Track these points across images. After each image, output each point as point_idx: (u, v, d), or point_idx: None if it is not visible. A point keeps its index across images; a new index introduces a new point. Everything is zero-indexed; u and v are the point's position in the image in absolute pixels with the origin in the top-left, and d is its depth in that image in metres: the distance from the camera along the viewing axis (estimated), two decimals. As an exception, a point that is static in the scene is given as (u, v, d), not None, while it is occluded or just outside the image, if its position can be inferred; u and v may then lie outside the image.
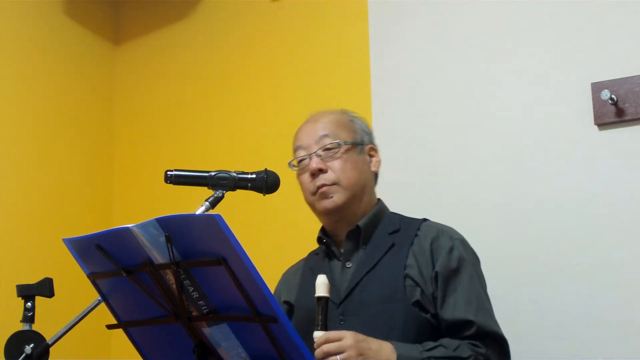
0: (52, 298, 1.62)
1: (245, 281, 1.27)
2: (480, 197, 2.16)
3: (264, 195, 1.72)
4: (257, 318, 1.29)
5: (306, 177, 1.80)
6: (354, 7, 2.50)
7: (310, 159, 1.79)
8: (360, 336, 1.49)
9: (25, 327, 1.58)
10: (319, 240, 1.86)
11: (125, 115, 3.03)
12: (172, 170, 1.66)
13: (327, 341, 1.45)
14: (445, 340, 1.60)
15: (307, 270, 1.86)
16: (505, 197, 2.12)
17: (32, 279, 1.62)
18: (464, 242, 1.75)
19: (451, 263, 1.69)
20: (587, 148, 2.02)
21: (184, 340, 1.39)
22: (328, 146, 1.79)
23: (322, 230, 1.87)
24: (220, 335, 1.37)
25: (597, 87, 1.99)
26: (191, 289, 1.34)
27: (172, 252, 1.30)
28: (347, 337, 1.46)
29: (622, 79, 1.97)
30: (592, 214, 1.99)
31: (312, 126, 1.84)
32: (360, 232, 1.77)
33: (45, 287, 1.61)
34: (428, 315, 1.64)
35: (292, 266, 1.97)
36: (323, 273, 1.76)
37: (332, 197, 1.76)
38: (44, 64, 2.80)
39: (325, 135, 1.80)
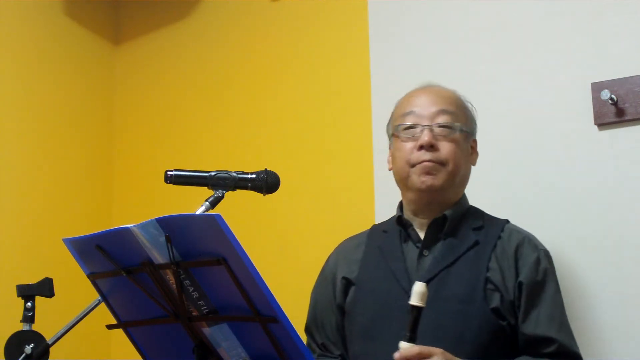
0: (52, 298, 1.62)
1: (245, 281, 1.27)
2: (480, 197, 2.15)
3: (264, 195, 1.71)
4: (257, 318, 1.29)
5: (409, 145, 1.71)
6: (354, 7, 2.50)
7: (423, 131, 1.70)
8: (449, 355, 1.44)
9: (25, 327, 1.58)
10: (399, 219, 1.76)
11: (125, 115, 3.03)
12: (172, 170, 1.66)
13: (418, 356, 1.39)
14: (524, 358, 1.57)
15: (372, 248, 1.78)
16: (504, 197, 2.12)
17: (32, 279, 1.62)
18: (548, 254, 1.71)
19: (537, 275, 1.64)
20: (587, 148, 2.02)
21: (184, 340, 1.39)
22: (446, 124, 1.71)
23: (400, 207, 1.79)
24: (220, 335, 1.37)
25: (597, 87, 1.99)
26: (191, 289, 1.34)
27: (172, 252, 1.30)
28: (438, 356, 1.42)
29: (622, 79, 1.97)
30: (592, 214, 1.99)
31: (432, 96, 1.75)
32: (447, 222, 1.71)
33: (45, 287, 1.61)
34: (505, 323, 1.60)
35: (351, 239, 1.88)
36: (395, 256, 1.70)
37: (434, 175, 1.69)
38: (44, 64, 2.80)
39: (445, 112, 1.72)
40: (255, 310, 1.29)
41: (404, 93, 2.36)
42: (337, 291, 1.79)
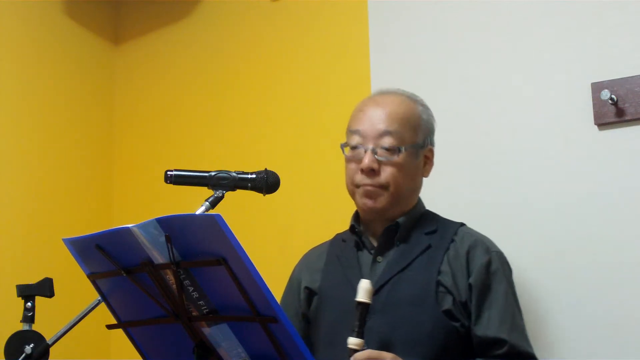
0: (52, 298, 1.62)
1: (245, 281, 1.27)
2: (480, 196, 2.16)
3: (264, 195, 1.72)
4: (257, 318, 1.29)
5: (354, 166, 1.72)
6: (354, 7, 2.50)
7: (366, 153, 1.70)
8: None
9: (25, 327, 1.58)
10: (352, 228, 1.79)
11: (125, 115, 3.03)
12: (172, 170, 1.67)
13: (368, 359, 1.43)
14: None
15: (332, 257, 1.81)
16: (504, 197, 2.12)
17: (32, 279, 1.62)
18: (500, 256, 1.72)
19: (487, 277, 1.65)
20: (587, 148, 2.02)
21: (184, 340, 1.39)
22: (390, 147, 1.70)
23: (355, 217, 1.80)
24: (220, 335, 1.37)
25: (597, 87, 1.99)
26: (191, 288, 1.34)
27: (172, 252, 1.30)
28: None
29: (622, 79, 1.97)
30: (592, 214, 1.99)
31: (377, 114, 1.73)
32: (399, 229, 1.72)
33: (45, 287, 1.61)
34: (457, 324, 1.61)
35: (314, 249, 1.92)
36: (350, 264, 1.74)
37: (375, 199, 1.70)
38: (44, 64, 2.80)
39: (388, 133, 1.70)
40: (255, 310, 1.29)
41: (404, 93, 2.37)
42: (302, 300, 1.83)
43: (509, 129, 2.15)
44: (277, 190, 1.73)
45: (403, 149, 1.70)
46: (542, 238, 2.05)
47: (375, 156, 1.69)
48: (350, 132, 1.77)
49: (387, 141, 1.70)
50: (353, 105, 2.46)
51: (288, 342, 1.30)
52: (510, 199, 2.11)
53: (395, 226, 1.73)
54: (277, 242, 2.52)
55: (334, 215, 2.41)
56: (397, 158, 1.70)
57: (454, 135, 2.23)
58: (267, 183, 1.69)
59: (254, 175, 1.69)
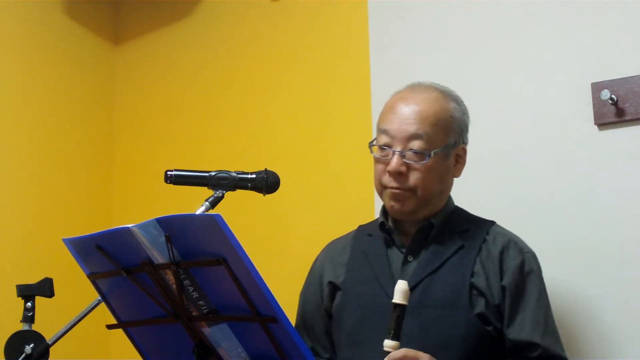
0: (52, 298, 1.62)
1: (245, 281, 1.27)
2: (480, 196, 2.15)
3: (264, 195, 1.71)
4: (257, 318, 1.29)
5: (382, 167, 1.68)
6: (354, 7, 2.50)
7: (394, 155, 1.65)
8: None
9: (25, 327, 1.58)
10: (382, 225, 1.74)
11: (125, 115, 3.03)
12: (172, 170, 1.67)
13: (404, 358, 1.40)
14: None
15: (357, 252, 1.76)
16: (504, 197, 2.12)
17: (32, 279, 1.62)
18: (534, 257, 1.69)
19: (520, 279, 1.62)
20: (587, 148, 2.02)
21: (184, 340, 1.39)
22: (418, 151, 1.64)
23: (384, 213, 1.75)
24: (220, 335, 1.37)
25: (597, 87, 1.99)
26: (191, 288, 1.34)
27: (172, 252, 1.30)
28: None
29: (622, 79, 1.97)
30: (592, 214, 1.99)
31: (407, 114, 1.67)
32: (433, 229, 1.68)
33: (45, 287, 1.61)
34: (490, 328, 1.59)
35: (337, 240, 1.86)
36: (380, 261, 1.69)
37: (402, 202, 1.66)
38: (44, 64, 2.80)
39: (418, 136, 1.64)
40: (255, 310, 1.29)
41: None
42: (325, 295, 1.78)
43: (509, 129, 2.14)
44: (277, 190, 1.73)
45: (432, 154, 1.65)
46: (542, 238, 2.04)
47: (404, 160, 1.65)
48: (380, 130, 1.71)
49: (416, 144, 1.65)
50: (353, 105, 2.48)
51: (288, 342, 1.30)
52: (509, 199, 2.11)
53: (430, 226, 1.69)
54: (277, 242, 2.52)
55: (334, 215, 2.41)
56: (426, 162, 1.64)
57: (454, 135, 2.23)
58: (267, 183, 1.69)
59: (254, 175, 1.68)
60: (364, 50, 2.44)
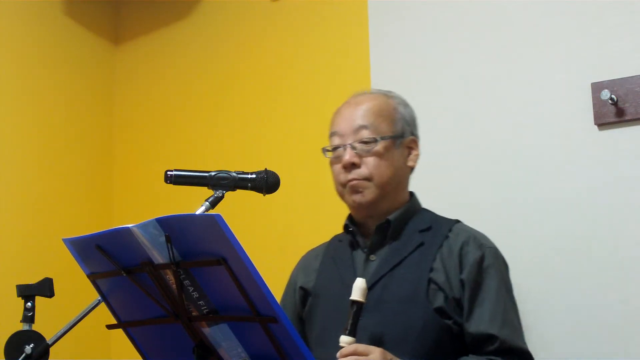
0: (52, 298, 1.62)
1: (245, 281, 1.27)
2: (480, 196, 2.16)
3: (264, 195, 1.71)
4: (257, 318, 1.29)
5: (338, 167, 1.75)
6: (354, 7, 2.50)
7: (345, 150, 1.73)
8: (389, 355, 1.46)
9: (25, 327, 1.58)
10: (346, 227, 1.81)
11: (125, 115, 3.03)
12: (172, 170, 1.66)
13: (354, 353, 1.43)
14: (467, 359, 1.58)
15: (327, 258, 1.82)
16: (504, 197, 2.12)
17: (32, 279, 1.62)
18: (495, 252, 1.71)
19: (479, 273, 1.64)
20: (587, 148, 2.02)
21: (184, 340, 1.39)
22: (365, 139, 1.72)
23: (350, 217, 1.82)
24: (220, 335, 1.37)
25: (597, 87, 1.99)
26: (191, 289, 1.34)
27: (172, 252, 1.30)
28: (376, 354, 1.44)
29: (622, 79, 1.97)
30: (592, 214, 1.99)
31: (351, 112, 1.76)
32: (390, 226, 1.73)
33: (45, 287, 1.61)
34: (450, 322, 1.61)
35: (313, 250, 1.93)
36: (345, 263, 1.75)
37: (362, 192, 1.72)
38: (44, 64, 2.80)
39: (364, 127, 1.73)
40: (255, 310, 1.29)
41: (403, 93, 2.37)
42: (297, 301, 1.84)
43: (509, 128, 2.15)
44: (277, 190, 1.73)
45: (380, 139, 1.72)
46: (542, 237, 2.05)
47: (354, 151, 1.72)
48: (330, 136, 1.80)
49: (364, 134, 1.72)
50: (353, 105, 2.47)
51: (288, 342, 1.30)
52: (509, 199, 2.11)
53: (387, 223, 1.73)
54: (277, 242, 2.52)
55: (334, 215, 2.40)
56: (375, 148, 1.71)
57: (454, 135, 2.24)
58: (267, 183, 1.69)
59: (254, 175, 1.68)
60: (364, 50, 2.44)
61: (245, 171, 1.69)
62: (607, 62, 2.01)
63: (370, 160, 1.71)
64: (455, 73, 2.26)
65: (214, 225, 1.24)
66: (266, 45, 2.70)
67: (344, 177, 1.73)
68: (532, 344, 1.99)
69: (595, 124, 2.01)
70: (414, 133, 1.81)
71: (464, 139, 2.21)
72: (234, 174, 1.67)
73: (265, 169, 1.70)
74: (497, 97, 2.18)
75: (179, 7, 2.93)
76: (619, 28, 2.01)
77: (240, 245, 1.24)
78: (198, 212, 1.58)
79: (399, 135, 1.76)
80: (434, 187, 2.24)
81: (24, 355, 1.52)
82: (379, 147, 1.71)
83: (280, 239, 2.53)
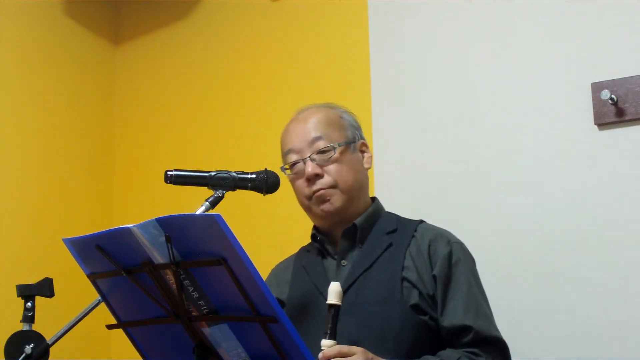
0: (52, 298, 1.62)
1: (245, 281, 1.27)
2: (480, 197, 2.16)
3: (264, 195, 1.72)
4: (257, 318, 1.29)
5: (301, 182, 1.76)
6: (354, 7, 2.50)
7: (305, 163, 1.74)
8: (370, 354, 1.47)
9: (25, 327, 1.58)
10: (314, 237, 1.83)
11: (125, 115, 3.03)
12: (172, 170, 1.67)
13: (339, 354, 1.43)
14: (445, 353, 1.59)
15: (298, 268, 1.83)
16: (505, 197, 2.12)
17: (32, 279, 1.62)
18: (461, 246, 1.74)
19: (449, 268, 1.67)
20: (587, 148, 2.02)
21: (184, 340, 1.39)
22: (322, 149, 1.75)
23: (316, 227, 1.84)
24: (220, 335, 1.37)
25: (597, 87, 1.99)
26: (191, 289, 1.34)
27: (172, 252, 1.30)
28: (359, 355, 1.44)
29: (622, 79, 1.97)
30: (592, 214, 1.99)
31: (302, 127, 1.79)
32: (357, 231, 1.75)
33: (45, 287, 1.61)
34: (426, 317, 1.63)
35: (282, 262, 1.94)
36: (317, 271, 1.77)
37: (330, 200, 1.74)
38: (44, 64, 2.80)
39: (318, 138, 1.76)
40: (255, 310, 1.29)
41: (404, 93, 2.38)
42: None
43: (509, 128, 2.15)
44: (277, 190, 1.73)
45: (337, 145, 1.75)
46: (541, 237, 2.05)
47: (315, 162, 1.74)
48: (285, 155, 1.81)
49: (320, 144, 1.75)
50: (353, 105, 2.46)
51: (288, 342, 1.30)
52: (509, 199, 2.11)
53: (353, 227, 1.75)
54: (277, 242, 2.52)
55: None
56: (334, 155, 1.74)
57: (454, 135, 2.24)
58: (267, 183, 1.69)
59: (254, 175, 1.69)
60: (364, 50, 2.44)
61: (245, 171, 1.70)
62: (607, 62, 2.01)
63: (332, 168, 1.74)
64: (455, 73, 2.26)
65: (214, 225, 1.24)
66: (266, 45, 2.70)
67: (309, 190, 1.75)
68: (531, 343, 1.99)
69: (595, 124, 2.01)
70: (362, 137, 1.86)
71: (463, 139, 2.21)
72: (234, 174, 1.68)
73: (265, 169, 1.71)
74: (497, 97, 2.18)
75: (179, 7, 2.93)
76: (619, 28, 2.01)
77: (240, 245, 1.25)
78: (198, 212, 1.58)
79: (352, 140, 1.80)
80: (434, 187, 2.24)
81: (24, 355, 1.52)
82: (337, 154, 1.75)
83: (280, 239, 2.53)
